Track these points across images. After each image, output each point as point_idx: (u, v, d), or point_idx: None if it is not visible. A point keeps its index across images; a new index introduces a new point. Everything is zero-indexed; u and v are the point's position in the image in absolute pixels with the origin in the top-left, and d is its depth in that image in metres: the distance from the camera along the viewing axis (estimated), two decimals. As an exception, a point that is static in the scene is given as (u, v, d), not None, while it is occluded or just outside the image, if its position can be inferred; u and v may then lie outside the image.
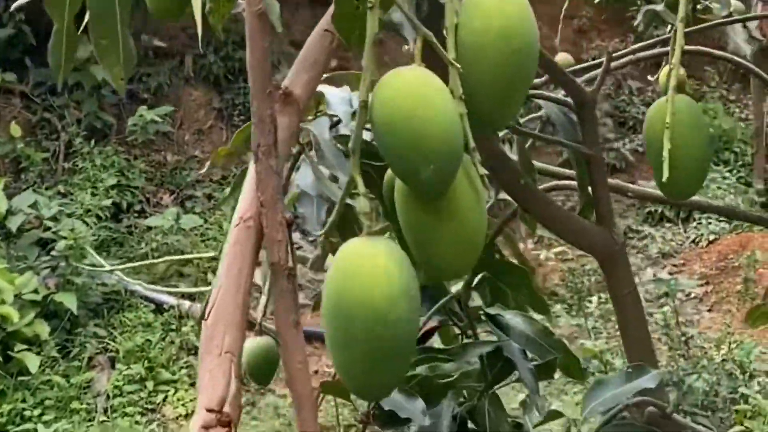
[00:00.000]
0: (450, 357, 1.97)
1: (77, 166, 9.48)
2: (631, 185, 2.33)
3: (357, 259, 0.99)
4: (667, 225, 10.00)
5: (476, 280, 2.29)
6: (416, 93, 0.99)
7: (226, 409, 1.21)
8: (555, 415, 1.79)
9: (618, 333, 7.78)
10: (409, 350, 1.00)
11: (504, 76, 1.04)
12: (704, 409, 5.58)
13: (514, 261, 2.39)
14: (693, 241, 9.66)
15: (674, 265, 9.32)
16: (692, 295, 8.54)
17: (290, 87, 1.45)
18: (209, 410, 1.20)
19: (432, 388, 1.96)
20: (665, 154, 1.42)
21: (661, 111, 1.47)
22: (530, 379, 1.96)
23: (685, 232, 9.83)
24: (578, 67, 2.27)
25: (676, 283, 7.52)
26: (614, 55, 2.01)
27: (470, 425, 2.04)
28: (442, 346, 2.12)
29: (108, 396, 7.25)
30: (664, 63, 3.58)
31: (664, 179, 1.42)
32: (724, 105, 11.39)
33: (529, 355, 1.98)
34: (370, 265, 0.98)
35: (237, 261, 1.32)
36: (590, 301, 8.25)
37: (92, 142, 9.65)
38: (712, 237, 9.50)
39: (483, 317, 2.11)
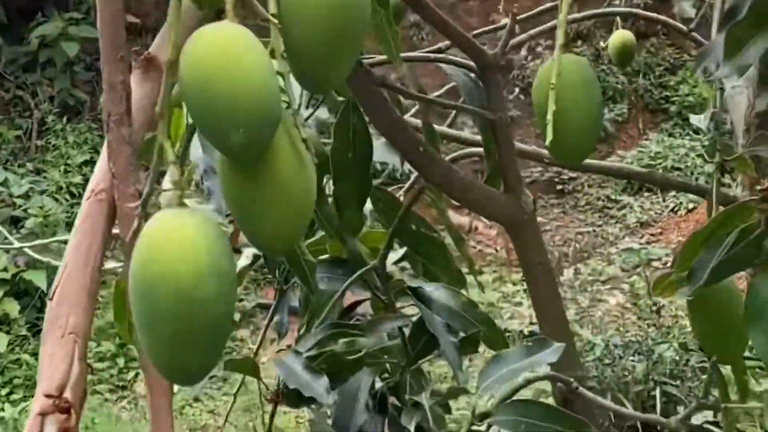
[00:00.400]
0: (361, 332, 1.91)
1: (50, 143, 9.42)
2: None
3: (163, 231, 0.91)
4: (646, 194, 9.92)
5: (400, 253, 2.24)
6: (223, 52, 0.91)
7: (67, 394, 1.14)
8: (458, 391, 1.73)
9: (587, 304, 7.68)
10: (221, 331, 0.93)
11: (327, 34, 0.96)
12: (673, 378, 5.55)
13: (444, 232, 2.34)
14: (672, 210, 9.59)
15: (652, 235, 9.25)
16: (668, 264, 8.46)
17: (155, 53, 1.38)
18: (48, 395, 1.13)
19: (342, 364, 1.90)
20: (549, 116, 1.34)
21: (548, 72, 1.40)
22: (453, 354, 1.89)
23: (663, 201, 9.75)
24: (488, 28, 2.18)
25: (648, 252, 7.47)
26: (520, 18, 1.92)
27: (393, 401, 1.99)
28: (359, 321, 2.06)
29: (78, 374, 7.19)
30: (615, 27, 3.52)
31: (547, 143, 1.35)
32: (704, 73, 11.28)
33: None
34: (176, 239, 0.90)
35: (87, 237, 1.24)
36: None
37: (65, 119, 9.58)
38: (690, 206, 9.43)
39: (407, 290, 2.06)
